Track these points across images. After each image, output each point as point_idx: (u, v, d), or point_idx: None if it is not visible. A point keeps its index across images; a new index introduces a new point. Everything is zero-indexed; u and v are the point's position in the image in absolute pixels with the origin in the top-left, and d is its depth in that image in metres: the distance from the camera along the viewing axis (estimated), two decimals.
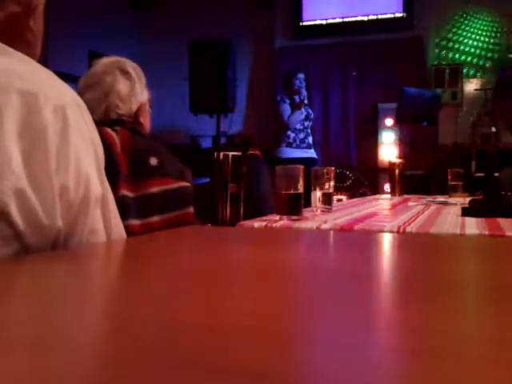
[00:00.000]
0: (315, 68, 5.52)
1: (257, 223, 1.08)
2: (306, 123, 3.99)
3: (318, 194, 1.32)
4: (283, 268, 0.51)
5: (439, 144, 4.58)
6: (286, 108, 3.92)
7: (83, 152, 0.62)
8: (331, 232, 1.01)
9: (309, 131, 4.03)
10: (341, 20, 5.45)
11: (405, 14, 5.25)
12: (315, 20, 5.55)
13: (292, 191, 1.14)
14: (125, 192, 1.18)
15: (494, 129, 4.40)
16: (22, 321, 0.32)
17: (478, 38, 5.14)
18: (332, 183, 1.34)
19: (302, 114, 3.94)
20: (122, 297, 0.39)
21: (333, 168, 1.36)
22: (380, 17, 5.34)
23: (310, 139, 4.02)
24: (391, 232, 0.99)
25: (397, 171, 2.18)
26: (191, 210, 1.31)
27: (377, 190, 4.35)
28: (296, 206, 1.15)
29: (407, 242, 0.85)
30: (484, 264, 0.59)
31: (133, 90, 1.38)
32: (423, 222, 1.12)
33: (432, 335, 0.28)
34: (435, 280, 0.45)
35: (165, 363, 0.23)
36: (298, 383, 0.22)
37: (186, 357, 0.24)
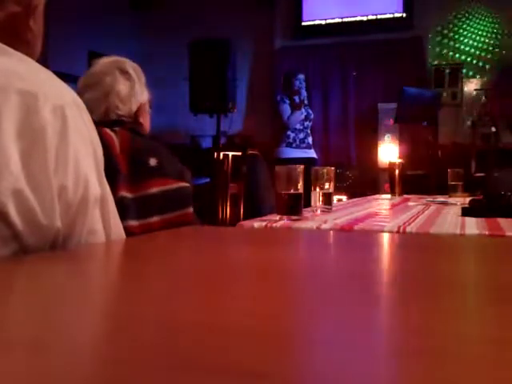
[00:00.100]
0: (315, 68, 5.53)
1: (257, 223, 1.08)
2: (305, 123, 3.99)
3: (317, 194, 1.32)
4: (283, 268, 0.51)
5: (439, 144, 4.59)
6: (286, 108, 3.92)
7: (82, 152, 0.62)
8: (331, 232, 1.01)
9: (308, 131, 4.03)
10: (341, 20, 5.45)
11: (405, 14, 5.26)
12: (315, 20, 5.55)
13: (292, 191, 1.14)
14: (124, 193, 1.18)
15: (493, 129, 4.40)
16: (21, 321, 0.32)
17: (478, 37, 5.14)
18: (332, 183, 1.34)
19: (301, 114, 3.95)
20: (121, 297, 0.39)
21: (333, 168, 1.36)
22: (380, 17, 5.35)
23: (310, 139, 4.02)
24: (391, 232, 0.99)
25: (397, 171, 2.18)
26: (190, 210, 1.31)
27: (377, 190, 4.35)
28: (296, 206, 1.15)
29: (407, 242, 0.85)
30: (484, 264, 0.59)
31: (132, 90, 1.37)
32: (423, 222, 1.12)
33: (432, 335, 0.28)
34: (435, 280, 0.45)
35: (165, 363, 0.23)
36: (298, 383, 0.22)
37: (185, 357, 0.24)
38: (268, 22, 5.68)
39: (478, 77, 5.13)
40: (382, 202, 1.91)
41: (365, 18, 5.39)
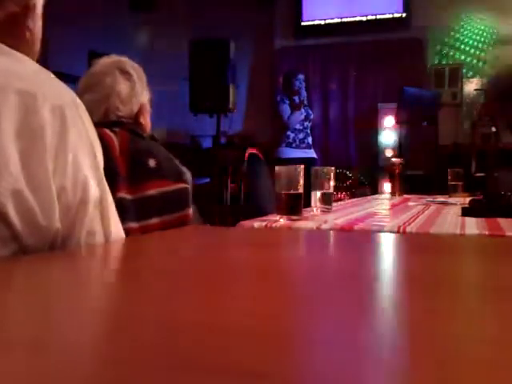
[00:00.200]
0: (315, 68, 5.53)
1: (257, 223, 1.08)
2: (305, 123, 4.00)
3: (317, 194, 1.32)
4: (283, 268, 0.51)
5: (439, 144, 4.58)
6: (286, 108, 3.93)
7: (81, 152, 0.62)
8: (331, 232, 1.01)
9: (308, 131, 4.03)
10: (341, 20, 5.45)
11: (405, 14, 5.26)
12: (315, 20, 5.55)
13: (292, 191, 1.14)
14: (123, 195, 1.17)
15: (494, 129, 4.40)
16: (21, 321, 0.31)
17: (477, 37, 5.14)
18: (332, 183, 1.34)
19: (301, 114, 3.95)
20: (121, 297, 0.39)
21: (333, 168, 1.35)
22: (380, 17, 5.35)
23: (310, 139, 4.03)
24: (391, 232, 0.99)
25: (397, 171, 2.18)
26: (190, 211, 1.30)
27: (377, 190, 4.35)
28: (296, 205, 1.15)
29: (407, 242, 0.85)
30: (484, 264, 0.59)
31: (133, 90, 1.37)
32: (423, 222, 1.11)
33: (432, 335, 0.28)
34: (435, 280, 0.45)
35: (165, 363, 0.23)
36: (298, 383, 0.22)
37: (186, 357, 0.24)
38: (268, 22, 5.68)
39: (477, 77, 5.13)
40: (382, 202, 1.91)
41: (364, 18, 5.39)
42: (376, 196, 2.43)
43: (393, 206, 1.70)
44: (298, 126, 3.95)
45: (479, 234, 0.95)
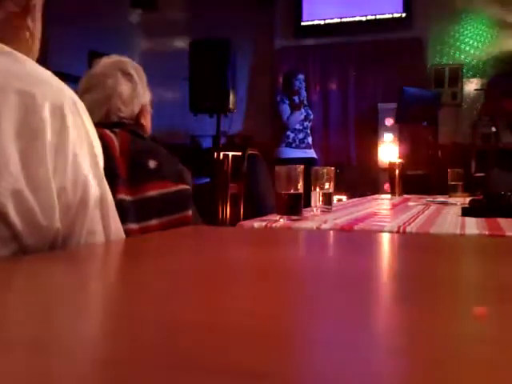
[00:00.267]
0: (315, 68, 5.53)
1: (257, 223, 1.08)
2: (305, 123, 4.00)
3: (317, 194, 1.32)
4: (283, 268, 0.51)
5: (439, 144, 4.58)
6: (286, 108, 3.93)
7: (81, 152, 0.62)
8: (331, 232, 1.01)
9: (308, 131, 4.03)
10: (341, 20, 5.45)
11: (405, 14, 5.26)
12: (315, 20, 5.55)
13: (292, 191, 1.14)
14: (123, 196, 1.17)
15: (494, 129, 4.40)
16: (21, 321, 0.31)
17: (477, 37, 5.14)
18: (332, 183, 1.34)
19: (301, 114, 3.95)
20: (121, 297, 0.39)
21: (333, 168, 1.35)
22: (380, 17, 5.35)
23: (310, 139, 4.03)
24: (391, 232, 0.99)
25: (397, 171, 2.18)
26: (189, 212, 1.30)
27: (377, 190, 4.35)
28: (296, 206, 1.15)
29: (407, 242, 0.85)
30: (484, 264, 0.59)
31: (134, 91, 1.36)
32: (423, 222, 1.12)
33: (432, 335, 0.28)
34: (435, 280, 0.45)
35: (165, 363, 0.23)
36: (298, 383, 0.22)
37: (186, 357, 0.24)
38: (268, 22, 5.68)
39: (477, 77, 5.13)
40: (382, 202, 1.91)
41: (364, 18, 5.39)
42: (376, 196, 2.43)
43: (393, 206, 1.70)
44: (297, 126, 3.95)
45: (479, 233, 0.95)
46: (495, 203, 1.26)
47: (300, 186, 1.15)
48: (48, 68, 0.63)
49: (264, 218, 1.18)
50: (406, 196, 2.17)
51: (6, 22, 0.64)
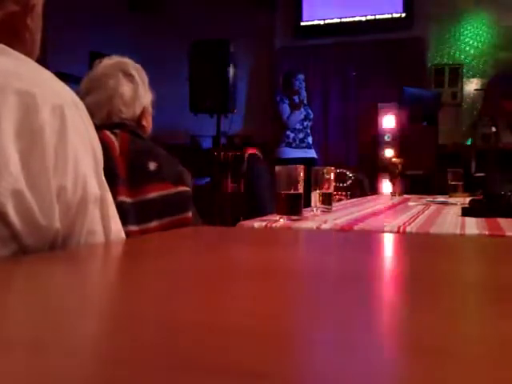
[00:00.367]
0: (315, 68, 5.53)
1: (257, 223, 1.08)
2: (305, 123, 4.00)
3: (317, 194, 1.32)
4: (283, 268, 0.51)
5: (439, 144, 4.58)
6: (286, 108, 3.93)
7: (81, 152, 0.62)
8: (331, 232, 1.01)
9: (308, 131, 4.03)
10: (341, 20, 5.45)
11: (405, 14, 5.26)
12: (315, 20, 5.55)
13: (292, 191, 1.14)
14: (123, 198, 1.17)
15: (494, 129, 4.40)
16: (21, 321, 0.31)
17: (478, 37, 5.14)
18: (332, 183, 1.34)
19: (301, 114, 3.95)
20: (121, 297, 0.39)
21: (333, 168, 1.36)
22: (380, 17, 5.35)
23: (310, 139, 4.03)
24: (391, 232, 0.99)
25: (397, 171, 2.18)
26: (189, 214, 1.30)
27: (377, 190, 4.35)
28: (296, 206, 1.15)
29: (407, 241, 0.85)
30: (484, 264, 0.59)
31: (136, 93, 1.35)
32: (423, 222, 1.11)
33: (432, 335, 0.28)
34: (435, 280, 0.45)
35: (165, 363, 0.23)
36: (298, 383, 0.22)
37: (186, 357, 0.24)
38: (268, 23, 5.68)
39: (477, 77, 5.13)
40: (382, 202, 1.91)
41: (364, 18, 5.39)
42: (376, 196, 2.43)
43: (393, 206, 1.70)
44: (297, 126, 3.95)
45: (479, 233, 0.95)
46: (495, 203, 1.26)
47: (300, 185, 1.15)
48: (48, 68, 0.63)
49: (264, 218, 1.18)
50: (406, 196, 2.17)
51: (6, 21, 0.64)
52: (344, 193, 4.65)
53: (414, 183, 3.22)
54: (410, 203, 1.75)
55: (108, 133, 1.25)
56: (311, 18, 5.56)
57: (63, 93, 0.62)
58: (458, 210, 1.38)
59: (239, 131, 5.25)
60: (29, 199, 0.54)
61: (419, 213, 1.36)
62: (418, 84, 4.79)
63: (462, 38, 5.19)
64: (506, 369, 0.23)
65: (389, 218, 1.31)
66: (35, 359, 0.24)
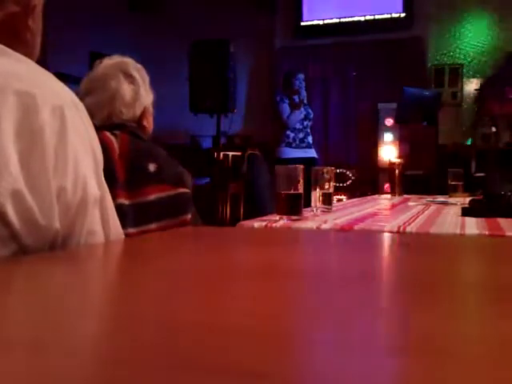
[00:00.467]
0: (315, 68, 5.52)
1: (257, 223, 1.08)
2: (305, 123, 3.99)
3: (317, 194, 1.32)
4: (283, 268, 0.51)
5: (439, 144, 4.58)
6: (286, 108, 3.93)
7: (81, 152, 0.62)
8: (331, 232, 1.01)
9: (308, 131, 4.03)
10: (341, 20, 5.45)
11: (405, 14, 5.26)
12: (315, 20, 5.55)
13: (292, 191, 1.14)
14: (122, 200, 1.16)
15: (494, 129, 4.40)
16: (21, 321, 0.32)
17: (477, 37, 5.14)
18: (332, 183, 1.34)
19: (301, 113, 3.95)
20: (121, 297, 0.39)
21: (333, 168, 1.36)
22: (380, 17, 5.35)
23: (310, 139, 4.03)
24: (391, 232, 0.99)
25: (397, 171, 2.18)
26: (189, 216, 1.29)
27: (377, 190, 4.35)
28: (296, 206, 1.15)
29: (407, 242, 0.84)
30: (484, 264, 0.59)
31: (137, 94, 1.35)
32: (423, 222, 1.11)
33: (432, 335, 0.28)
34: (435, 280, 0.45)
35: (165, 363, 0.23)
36: (298, 383, 0.22)
37: (186, 357, 0.24)
38: (268, 23, 5.68)
39: (477, 77, 5.13)
40: (382, 202, 1.91)
41: (364, 18, 5.39)
42: (376, 196, 2.43)
43: (393, 206, 1.70)
44: (297, 126, 3.95)
45: (479, 233, 0.95)
46: (495, 203, 1.26)
47: (300, 185, 1.15)
48: (48, 68, 0.63)
49: (264, 218, 1.18)
50: (405, 196, 2.17)
51: (7, 22, 0.64)
52: (344, 192, 4.65)
53: (414, 183, 3.22)
54: (410, 203, 1.75)
55: (108, 134, 1.24)
56: (311, 18, 5.56)
57: (63, 93, 0.62)
58: (458, 210, 1.38)
59: (239, 131, 5.25)
60: (28, 199, 0.54)
61: (419, 213, 1.36)
62: (418, 84, 4.78)
63: (461, 37, 5.19)
64: (506, 369, 0.23)
65: (389, 218, 1.31)
66: (35, 359, 0.24)
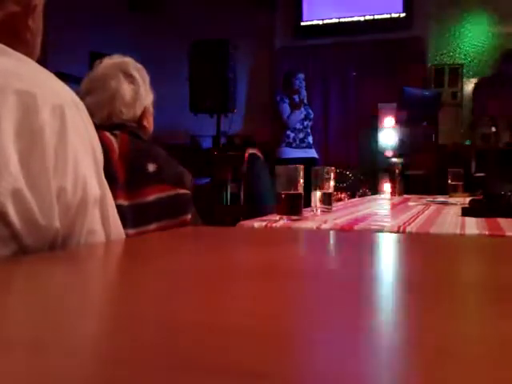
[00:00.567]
0: (315, 68, 5.53)
1: (257, 223, 1.08)
2: (305, 123, 4.00)
3: (317, 194, 1.32)
4: (283, 268, 0.51)
5: (439, 144, 4.58)
6: (286, 108, 3.93)
7: (81, 152, 0.62)
8: (331, 232, 1.01)
9: (308, 131, 4.03)
10: (341, 20, 5.45)
11: (405, 14, 5.26)
12: (315, 20, 5.55)
13: (292, 191, 1.14)
14: (121, 201, 1.16)
15: (494, 129, 4.40)
16: (21, 321, 0.32)
17: (477, 37, 5.14)
18: (332, 183, 1.34)
19: (301, 113, 3.95)
20: (121, 297, 0.39)
21: (333, 168, 1.36)
22: (380, 17, 5.35)
23: (310, 139, 4.03)
24: (391, 232, 0.99)
25: (397, 171, 2.18)
26: (188, 217, 1.29)
27: (377, 190, 4.35)
28: (296, 206, 1.15)
29: (407, 241, 0.85)
30: (484, 264, 0.59)
31: (137, 94, 1.35)
32: (423, 222, 1.11)
33: (432, 335, 0.28)
34: (435, 280, 0.45)
35: (165, 363, 0.23)
36: (298, 383, 0.22)
37: (186, 357, 0.24)
38: (268, 23, 5.68)
39: (477, 77, 5.13)
40: (382, 202, 1.91)
41: (364, 18, 5.39)
42: (376, 196, 2.43)
43: (393, 206, 1.70)
44: (298, 126, 3.95)
45: (479, 233, 0.95)
46: (495, 203, 1.26)
47: (300, 185, 1.15)
48: (48, 68, 0.63)
49: (264, 218, 1.18)
50: (405, 196, 2.18)
51: (7, 22, 0.64)
52: (344, 192, 4.65)
53: (414, 183, 3.22)
54: (410, 203, 1.75)
55: (108, 134, 1.24)
56: (311, 18, 5.56)
57: (63, 93, 0.62)
58: (458, 209, 1.38)
59: (239, 131, 5.25)
60: (29, 199, 0.54)
61: (419, 213, 1.36)
62: (417, 84, 4.79)
63: (461, 37, 5.19)
64: (506, 369, 0.23)
65: (389, 218, 1.31)
66: (35, 359, 0.24)
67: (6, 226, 0.53)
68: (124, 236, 0.74)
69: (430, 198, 1.97)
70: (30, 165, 0.55)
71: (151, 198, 1.22)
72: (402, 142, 4.73)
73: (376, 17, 5.36)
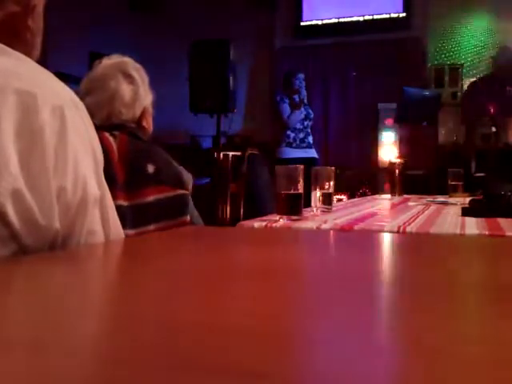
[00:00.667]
0: (315, 68, 5.53)
1: (257, 223, 1.08)
2: (305, 123, 4.00)
3: (318, 194, 1.32)
4: (283, 268, 0.51)
5: (439, 144, 4.58)
6: (286, 107, 3.93)
7: (81, 152, 0.62)
8: (331, 232, 1.01)
9: (309, 131, 4.03)
10: (341, 20, 5.45)
11: (404, 14, 5.26)
12: (315, 20, 5.55)
13: (292, 191, 1.14)
14: (120, 202, 1.16)
15: (494, 129, 4.39)
16: (21, 321, 0.32)
17: (477, 37, 5.14)
18: (332, 183, 1.34)
19: (301, 113, 3.95)
20: (121, 297, 0.39)
21: (333, 168, 1.36)
22: (380, 17, 5.35)
23: (310, 139, 4.03)
24: (391, 232, 0.99)
25: (397, 171, 2.18)
26: (187, 218, 1.29)
27: (377, 190, 4.35)
28: (296, 206, 1.15)
29: (407, 241, 0.85)
30: (484, 264, 0.59)
31: (136, 94, 1.35)
32: (423, 222, 1.11)
33: (432, 335, 0.28)
34: (435, 280, 0.45)
35: (165, 363, 0.23)
36: (298, 383, 0.22)
37: (186, 357, 0.24)
38: (268, 23, 5.68)
39: (478, 77, 5.12)
40: (382, 202, 1.91)
41: (364, 18, 5.39)
42: (376, 196, 2.43)
43: (393, 206, 1.70)
44: (298, 126, 3.95)
45: (479, 233, 0.95)
46: (495, 203, 1.26)
47: (300, 185, 1.15)
48: (48, 68, 0.63)
49: (264, 218, 1.18)
50: (405, 196, 2.17)
51: (7, 22, 0.64)
52: (344, 192, 4.64)
53: (414, 183, 3.22)
54: (410, 203, 1.75)
55: (107, 135, 1.24)
56: (311, 18, 5.56)
57: (63, 93, 0.62)
58: (458, 209, 1.38)
59: (239, 131, 5.25)
60: (28, 199, 0.54)
61: (419, 213, 1.36)
62: (417, 84, 4.78)
63: (461, 37, 5.19)
64: (506, 369, 0.23)
65: (389, 218, 1.31)
66: (35, 359, 0.24)
67: (5, 226, 0.53)
68: (123, 236, 0.74)
69: (429, 198, 1.97)
70: (29, 165, 0.55)
71: (150, 198, 1.22)
72: (401, 143, 4.73)
73: (376, 17, 5.36)
